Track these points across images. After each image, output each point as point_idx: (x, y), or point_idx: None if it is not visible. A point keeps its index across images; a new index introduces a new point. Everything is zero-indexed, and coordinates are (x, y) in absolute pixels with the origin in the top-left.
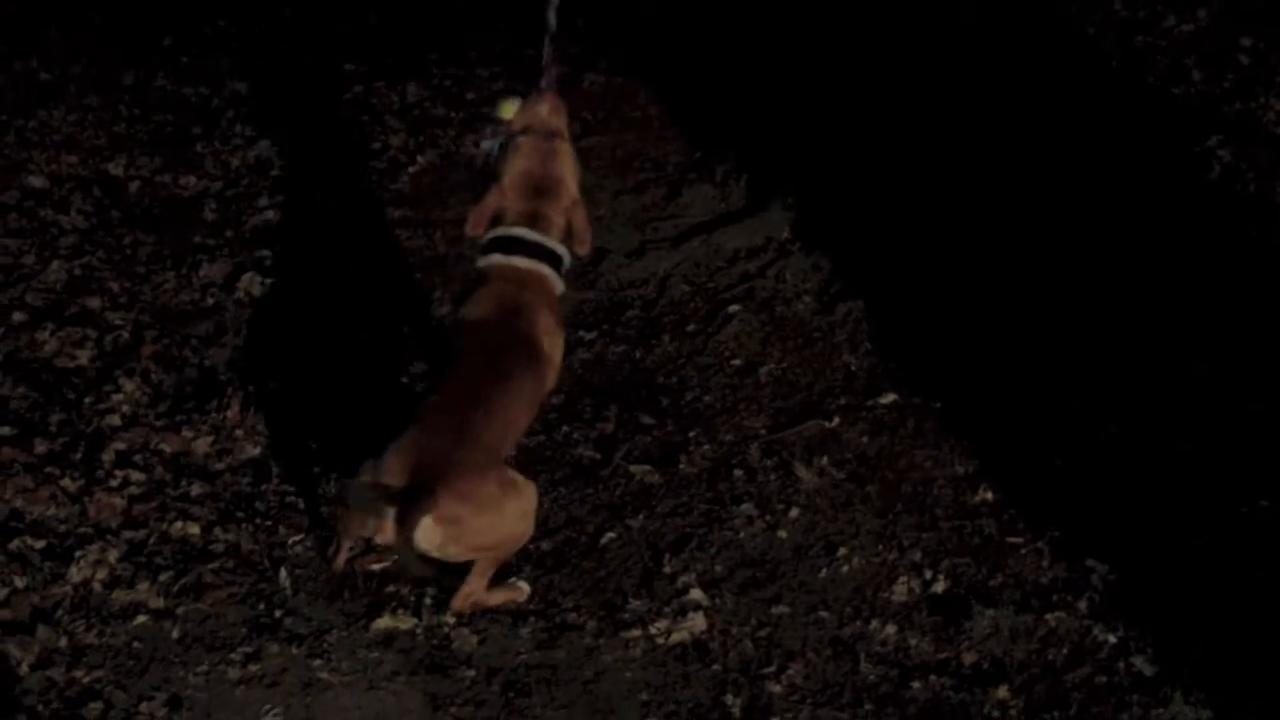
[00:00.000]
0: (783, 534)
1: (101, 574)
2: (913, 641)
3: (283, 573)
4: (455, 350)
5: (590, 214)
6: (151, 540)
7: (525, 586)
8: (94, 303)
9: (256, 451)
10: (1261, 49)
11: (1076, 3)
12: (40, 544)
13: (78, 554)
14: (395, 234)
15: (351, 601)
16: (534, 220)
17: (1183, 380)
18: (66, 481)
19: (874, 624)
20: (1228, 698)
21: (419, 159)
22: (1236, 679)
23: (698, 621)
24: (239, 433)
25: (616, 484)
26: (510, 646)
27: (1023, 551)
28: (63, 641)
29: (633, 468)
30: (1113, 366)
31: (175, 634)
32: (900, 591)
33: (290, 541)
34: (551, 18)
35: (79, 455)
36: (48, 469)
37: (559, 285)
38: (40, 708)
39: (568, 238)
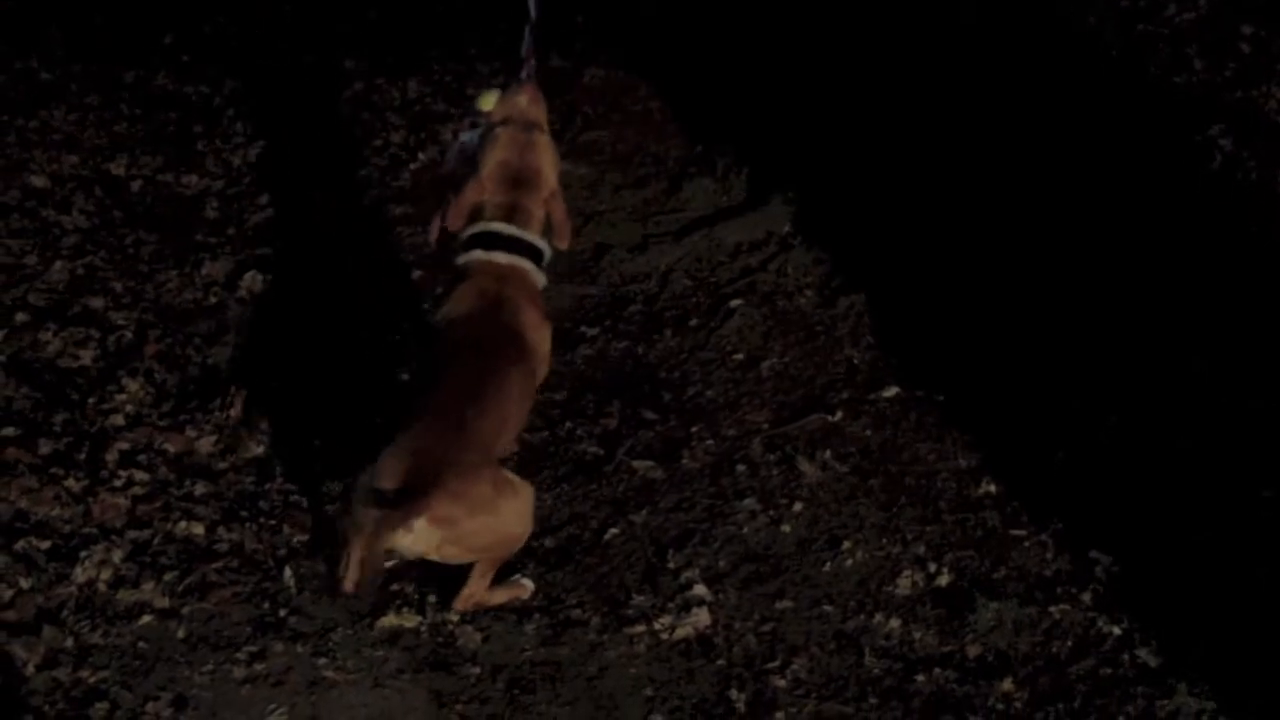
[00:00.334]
0: (786, 528)
1: (106, 574)
2: (917, 635)
3: (287, 571)
4: (441, 350)
5: (572, 207)
6: (156, 540)
7: (529, 584)
8: (97, 302)
9: (260, 450)
10: (1263, 37)
11: None
12: (45, 544)
13: (82, 554)
14: (397, 231)
15: (356, 600)
16: (513, 213)
17: (1184, 372)
18: (71, 482)
19: (878, 618)
20: (1232, 689)
21: (420, 156)
22: (1241, 670)
23: (701, 617)
24: (242, 431)
25: (619, 479)
26: (514, 643)
27: (1026, 544)
28: (68, 642)
29: (635, 463)
30: (1115, 358)
31: (180, 633)
32: (904, 585)
33: (294, 540)
34: (533, 7)
35: (83, 455)
36: (52, 469)
37: (541, 279)
38: (46, 708)
39: (548, 230)
